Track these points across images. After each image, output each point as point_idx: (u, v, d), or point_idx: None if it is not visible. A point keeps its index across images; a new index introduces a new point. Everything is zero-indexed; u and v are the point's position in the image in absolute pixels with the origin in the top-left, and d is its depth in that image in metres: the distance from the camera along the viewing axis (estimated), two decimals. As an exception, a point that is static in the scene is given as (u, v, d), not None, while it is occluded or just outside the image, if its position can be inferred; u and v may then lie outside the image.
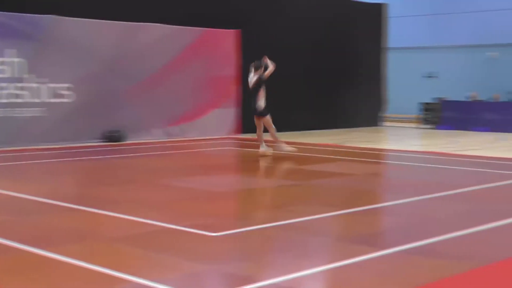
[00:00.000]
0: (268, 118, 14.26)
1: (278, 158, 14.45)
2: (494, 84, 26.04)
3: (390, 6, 25.78)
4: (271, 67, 14.28)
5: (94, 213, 8.21)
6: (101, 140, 17.06)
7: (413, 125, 25.45)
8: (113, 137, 17.14)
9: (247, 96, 20.20)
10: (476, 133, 21.75)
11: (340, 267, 5.84)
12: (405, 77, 28.51)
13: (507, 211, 8.38)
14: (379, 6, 25.36)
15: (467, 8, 27.64)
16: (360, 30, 24.13)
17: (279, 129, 20.89)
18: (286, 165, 13.27)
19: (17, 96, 15.80)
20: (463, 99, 24.52)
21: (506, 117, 22.51)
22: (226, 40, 19.82)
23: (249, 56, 20.15)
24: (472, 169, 12.88)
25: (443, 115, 24.07)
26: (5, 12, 15.57)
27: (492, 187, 10.57)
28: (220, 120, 19.72)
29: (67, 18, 16.45)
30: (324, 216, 8.13)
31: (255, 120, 14.46)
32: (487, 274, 5.75)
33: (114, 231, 7.31)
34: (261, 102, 14.15)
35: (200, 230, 7.14)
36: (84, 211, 8.34)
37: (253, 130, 20.27)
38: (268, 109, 14.26)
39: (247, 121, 20.21)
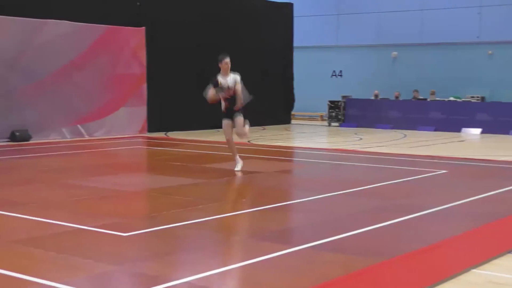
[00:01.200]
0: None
1: (186, 157, 14.41)
2: (395, 82, 26.74)
3: (296, 5, 26.11)
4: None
5: (-2, 215, 7.97)
6: (5, 140, 16.55)
7: (320, 122, 25.87)
8: (17, 136, 16.67)
9: (152, 94, 20.12)
10: (379, 131, 22.29)
11: (252, 264, 5.88)
12: (313, 76, 28.90)
13: (411, 206, 8.63)
14: (285, 6, 25.64)
15: (369, 9, 28.24)
16: (267, 29, 24.31)
17: (185, 128, 20.99)
18: (194, 164, 13.24)
19: None
20: (370, 97, 25.11)
21: (406, 115, 23.20)
22: (132, 38, 19.60)
23: (153, 54, 20.08)
24: (378, 165, 13.20)
25: (347, 113, 24.59)
26: None
27: (397, 182, 10.86)
28: (128, 119, 19.50)
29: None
30: (234, 214, 8.17)
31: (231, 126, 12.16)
32: (393, 267, 5.91)
33: (18, 233, 7.11)
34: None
35: (110, 230, 7.04)
36: (-13, 213, 8.09)
37: (160, 128, 20.26)
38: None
39: (154, 120, 20.11)
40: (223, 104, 12.21)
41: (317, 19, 29.43)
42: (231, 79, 11.92)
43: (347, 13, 28.97)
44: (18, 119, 16.84)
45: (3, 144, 16.17)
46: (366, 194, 9.73)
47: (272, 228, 7.44)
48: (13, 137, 16.65)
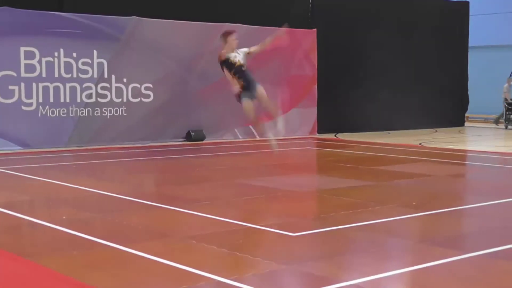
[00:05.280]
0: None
1: (356, 159, 14.31)
2: None
3: (472, 4, 25.19)
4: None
5: (173, 211, 8.30)
6: (181, 139, 17.27)
7: (495, 125, 24.84)
8: (192, 136, 17.32)
9: (323, 95, 20.19)
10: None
11: (423, 269, 5.72)
12: (489, 77, 27.77)
13: None
14: (460, 4, 24.82)
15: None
16: (442, 29, 23.63)
17: (355, 129, 20.84)
18: (364, 166, 13.11)
19: (99, 95, 16.14)
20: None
21: None
22: (304, 39, 19.74)
23: (323, 56, 20.14)
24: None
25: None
26: (88, 14, 15.94)
27: None
28: (299, 120, 19.66)
29: (147, 19, 16.72)
30: (404, 217, 7.98)
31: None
32: None
33: (192, 229, 7.36)
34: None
35: (279, 229, 7.11)
36: (163, 208, 8.45)
37: (330, 130, 20.28)
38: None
39: (323, 121, 20.17)
40: (238, 85, 12.06)
41: (494, 17, 28.28)
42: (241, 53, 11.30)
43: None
44: (194, 120, 17.51)
45: (179, 143, 16.88)
46: (547, 201, 9.21)
47: (444, 233, 7.21)
48: (189, 137, 17.33)
